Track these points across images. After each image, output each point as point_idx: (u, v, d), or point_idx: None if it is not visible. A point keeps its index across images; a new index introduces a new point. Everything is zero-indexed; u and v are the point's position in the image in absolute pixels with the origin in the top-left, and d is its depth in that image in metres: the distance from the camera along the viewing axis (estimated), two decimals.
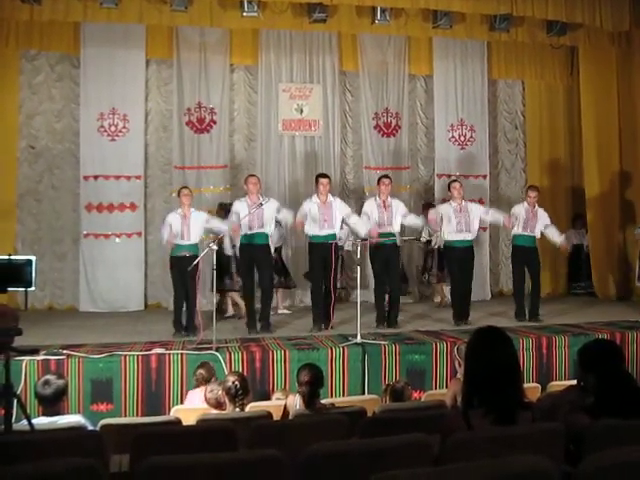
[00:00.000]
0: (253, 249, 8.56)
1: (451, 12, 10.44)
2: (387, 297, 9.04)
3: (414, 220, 9.22)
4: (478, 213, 9.21)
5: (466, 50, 12.10)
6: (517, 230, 9.30)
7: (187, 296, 8.40)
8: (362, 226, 8.73)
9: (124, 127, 10.94)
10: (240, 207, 8.53)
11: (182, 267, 8.18)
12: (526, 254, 9.31)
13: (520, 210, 9.35)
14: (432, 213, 9.34)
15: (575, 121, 12.37)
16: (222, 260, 9.48)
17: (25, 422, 4.05)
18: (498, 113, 12.69)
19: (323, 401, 5.06)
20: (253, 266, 8.64)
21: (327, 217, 8.68)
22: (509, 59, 12.44)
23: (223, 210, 9.87)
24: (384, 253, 8.82)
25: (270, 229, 8.70)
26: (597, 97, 11.74)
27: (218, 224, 8.77)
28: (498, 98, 12.70)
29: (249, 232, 8.50)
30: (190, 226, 8.53)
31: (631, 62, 11.27)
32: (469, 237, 9.08)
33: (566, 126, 12.66)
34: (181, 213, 8.60)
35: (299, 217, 8.70)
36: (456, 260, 9.12)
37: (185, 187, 9.12)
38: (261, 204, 8.29)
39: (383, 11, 10.51)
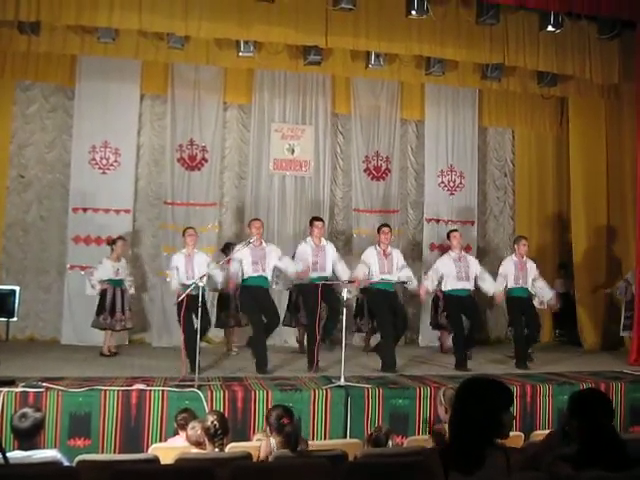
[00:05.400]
0: (255, 292, 8.49)
1: (444, 59, 10.55)
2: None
3: (407, 274, 9.04)
4: (474, 267, 9.23)
5: (457, 97, 12.24)
6: (510, 284, 9.30)
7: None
8: (346, 272, 8.76)
9: (115, 161, 10.93)
10: (243, 253, 8.45)
11: (190, 306, 7.89)
12: (522, 303, 9.34)
13: (509, 265, 9.36)
14: (424, 287, 9.13)
15: (564, 170, 12.45)
16: (223, 296, 9.75)
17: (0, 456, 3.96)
18: (488, 160, 12.78)
19: None
20: (257, 307, 8.54)
21: (319, 260, 8.71)
22: (500, 107, 12.58)
23: (228, 249, 9.78)
24: (386, 300, 8.75)
25: (270, 274, 8.67)
26: (586, 148, 11.87)
27: (216, 273, 8.66)
28: (488, 145, 12.79)
29: (253, 275, 8.46)
30: (194, 266, 8.53)
31: (620, 115, 11.39)
32: (468, 286, 9.12)
33: (555, 175, 12.75)
34: (185, 253, 8.66)
35: (304, 265, 8.66)
36: (459, 308, 9.10)
37: (190, 227, 9.14)
38: (250, 242, 8.29)
39: (377, 56, 10.64)
